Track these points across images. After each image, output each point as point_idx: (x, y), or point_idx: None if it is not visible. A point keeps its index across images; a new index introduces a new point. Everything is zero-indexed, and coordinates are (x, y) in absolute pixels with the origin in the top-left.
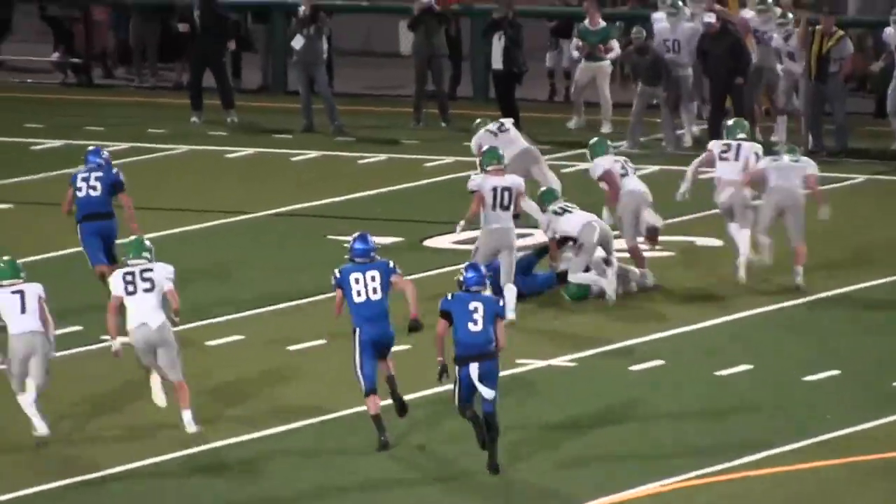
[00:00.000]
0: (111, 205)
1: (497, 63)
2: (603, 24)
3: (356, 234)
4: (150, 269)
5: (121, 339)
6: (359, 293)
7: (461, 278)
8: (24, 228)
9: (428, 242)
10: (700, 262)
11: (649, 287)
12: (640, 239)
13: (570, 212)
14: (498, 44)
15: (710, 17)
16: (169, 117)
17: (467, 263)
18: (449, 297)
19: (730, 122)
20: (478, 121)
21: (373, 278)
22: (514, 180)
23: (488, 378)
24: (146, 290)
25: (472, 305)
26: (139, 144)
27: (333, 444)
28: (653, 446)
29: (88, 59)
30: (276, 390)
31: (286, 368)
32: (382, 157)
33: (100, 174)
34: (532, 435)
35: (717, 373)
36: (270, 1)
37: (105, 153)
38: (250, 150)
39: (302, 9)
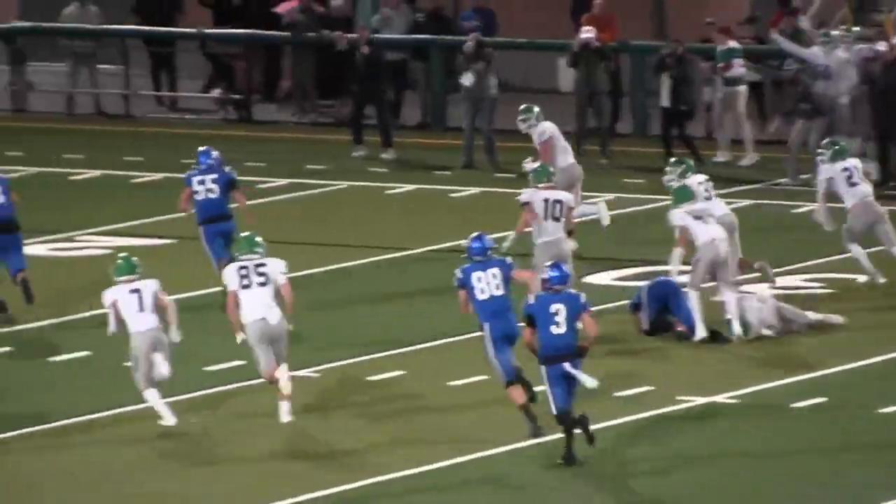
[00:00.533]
0: (228, 206)
1: (665, 100)
2: (732, 44)
3: (473, 235)
4: (264, 264)
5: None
6: (482, 290)
7: (546, 276)
8: (187, 262)
9: (588, 279)
10: (863, 299)
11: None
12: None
13: (703, 221)
14: (666, 81)
15: (882, 46)
16: (329, 153)
17: (551, 263)
18: (532, 300)
19: (836, 147)
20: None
21: (494, 276)
22: (566, 195)
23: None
24: (260, 285)
25: (553, 308)
26: (299, 180)
27: (504, 475)
28: (810, 484)
29: (249, 95)
30: (440, 424)
31: (448, 403)
32: None
33: (214, 176)
34: (696, 471)
35: (881, 410)
36: (429, 38)
37: (215, 153)
38: (410, 187)
39: (468, 45)
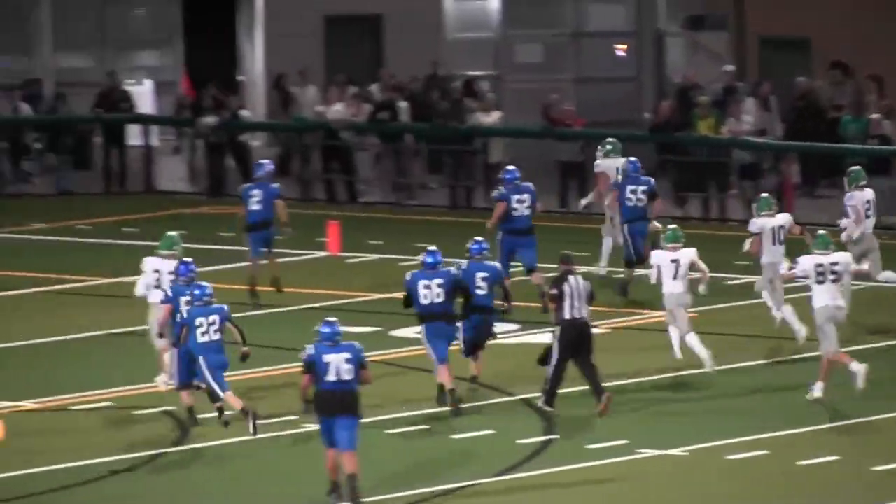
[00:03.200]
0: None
1: None
2: None
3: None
4: (837, 263)
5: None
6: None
7: None
8: None
9: None
10: None
11: None
12: None
13: None
14: None
15: None
16: None
17: None
18: None
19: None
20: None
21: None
22: (787, 218)
23: None
24: (832, 281)
25: None
26: None
27: None
28: None
29: None
30: None
31: None
32: None
33: (644, 187)
34: None
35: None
36: None
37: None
38: None
39: None
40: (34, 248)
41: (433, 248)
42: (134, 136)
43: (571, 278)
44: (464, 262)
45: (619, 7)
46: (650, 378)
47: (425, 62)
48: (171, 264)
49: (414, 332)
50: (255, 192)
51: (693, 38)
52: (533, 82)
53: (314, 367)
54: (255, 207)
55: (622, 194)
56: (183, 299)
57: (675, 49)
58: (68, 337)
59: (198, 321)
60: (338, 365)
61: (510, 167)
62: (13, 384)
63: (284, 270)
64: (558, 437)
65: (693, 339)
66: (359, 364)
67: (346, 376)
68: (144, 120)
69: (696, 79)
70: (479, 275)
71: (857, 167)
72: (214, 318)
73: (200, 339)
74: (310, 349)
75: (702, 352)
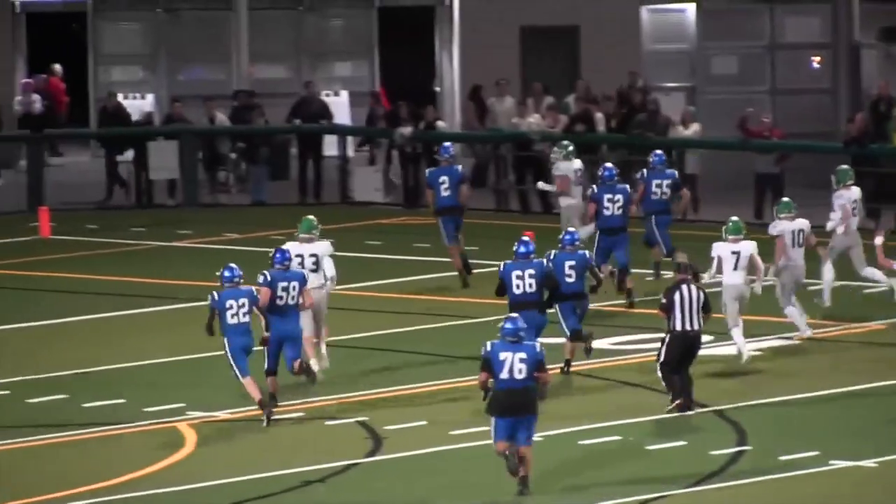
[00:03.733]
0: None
1: None
2: None
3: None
4: None
5: None
6: None
7: None
8: None
9: None
10: None
11: None
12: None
13: None
14: None
15: None
16: None
17: None
18: None
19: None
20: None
21: None
22: (805, 223)
23: None
24: None
25: None
26: None
27: None
28: None
29: None
30: None
31: None
32: None
33: (669, 181)
34: None
35: None
36: None
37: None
38: None
39: None
40: (229, 258)
41: (526, 237)
42: (330, 146)
43: (684, 287)
44: (552, 253)
45: (814, 19)
46: (841, 389)
47: (621, 73)
48: (311, 248)
49: (609, 343)
50: (444, 177)
51: (887, 49)
52: (728, 94)
53: (490, 365)
54: (445, 194)
55: (648, 188)
56: (280, 285)
57: (870, 61)
58: (260, 347)
59: (228, 303)
60: (512, 363)
61: (608, 165)
62: (206, 395)
63: (479, 280)
64: (751, 447)
65: (737, 333)
66: (535, 365)
67: (519, 375)
68: (340, 130)
69: (891, 91)
70: (567, 263)
71: (845, 167)
72: (244, 300)
73: (230, 321)
74: (488, 345)
75: (743, 347)
